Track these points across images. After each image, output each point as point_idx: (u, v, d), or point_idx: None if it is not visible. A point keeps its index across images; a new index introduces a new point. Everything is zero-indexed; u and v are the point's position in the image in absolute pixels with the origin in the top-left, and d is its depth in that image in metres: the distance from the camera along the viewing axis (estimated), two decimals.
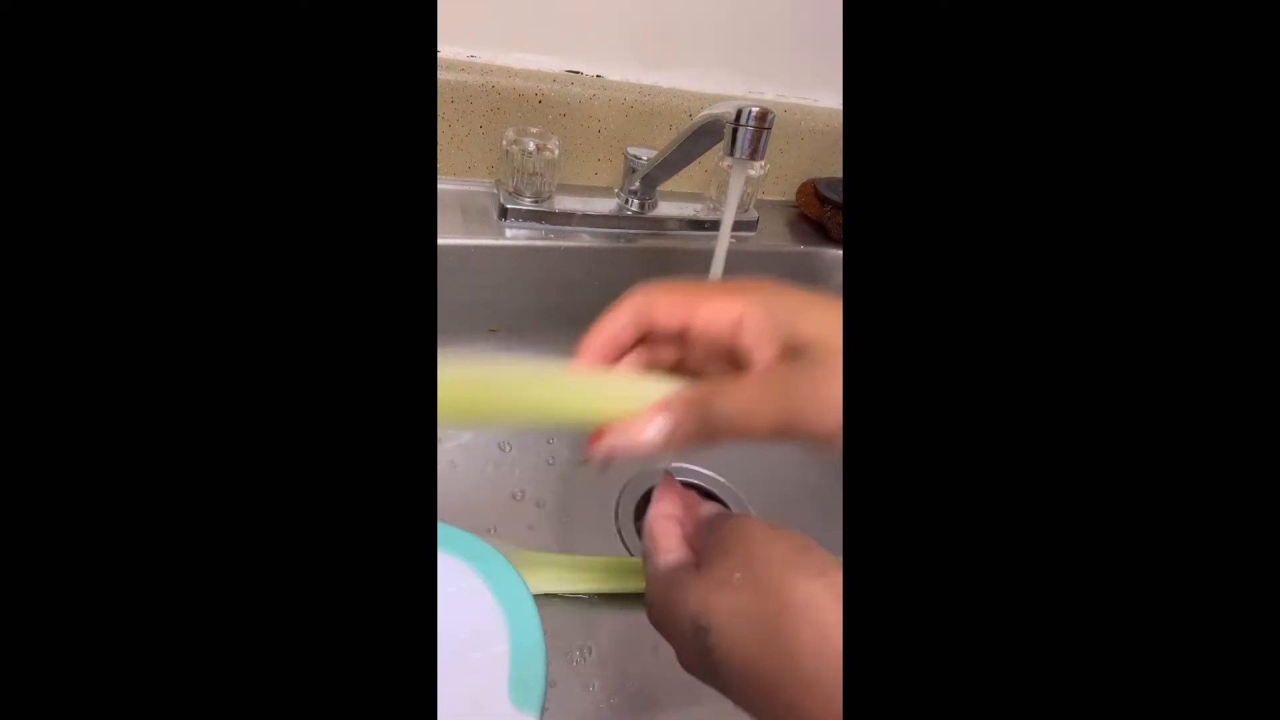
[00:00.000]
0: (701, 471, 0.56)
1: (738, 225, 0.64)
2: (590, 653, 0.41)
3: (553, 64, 0.59)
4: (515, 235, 0.57)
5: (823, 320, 0.24)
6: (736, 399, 0.24)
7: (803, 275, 0.68)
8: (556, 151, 0.56)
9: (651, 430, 0.24)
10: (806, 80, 0.68)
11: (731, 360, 0.26)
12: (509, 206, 0.57)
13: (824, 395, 0.23)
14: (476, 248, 0.55)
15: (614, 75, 0.61)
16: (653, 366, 0.27)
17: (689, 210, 0.63)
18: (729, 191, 0.46)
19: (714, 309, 0.26)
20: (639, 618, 0.43)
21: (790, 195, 0.73)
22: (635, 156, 0.58)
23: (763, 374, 0.24)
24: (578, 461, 0.55)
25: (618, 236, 0.60)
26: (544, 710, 0.36)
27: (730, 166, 0.51)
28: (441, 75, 0.54)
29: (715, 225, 0.61)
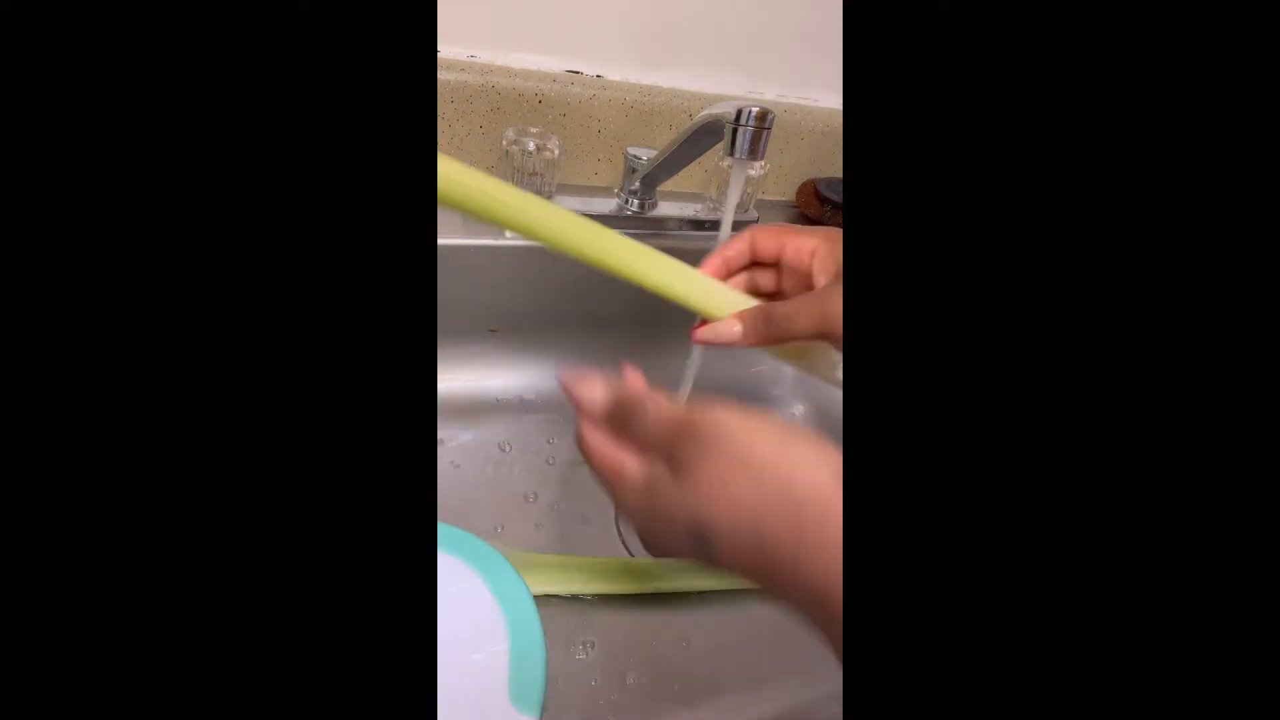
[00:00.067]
0: None
1: (738, 225, 0.63)
2: (592, 648, 0.41)
3: (553, 64, 0.59)
4: (515, 235, 0.57)
5: None
6: (787, 309, 0.31)
7: None
8: (556, 151, 0.56)
9: (731, 330, 0.33)
10: (806, 80, 0.68)
11: (807, 285, 0.32)
12: None
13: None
14: (476, 248, 0.55)
15: (614, 75, 0.61)
16: (754, 289, 0.35)
17: (689, 210, 0.63)
18: (729, 191, 0.46)
19: (797, 243, 0.33)
20: (640, 613, 0.44)
21: (790, 195, 0.73)
22: (635, 156, 0.58)
23: (813, 292, 0.31)
24: (577, 461, 0.55)
25: None
26: (544, 710, 0.36)
27: (730, 166, 0.51)
28: (441, 75, 0.54)
29: (715, 225, 0.61)
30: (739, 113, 0.43)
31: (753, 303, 0.33)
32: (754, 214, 0.65)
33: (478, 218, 0.31)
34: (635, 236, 0.60)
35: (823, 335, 0.30)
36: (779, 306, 0.31)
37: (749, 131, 0.43)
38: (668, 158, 0.53)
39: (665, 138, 0.61)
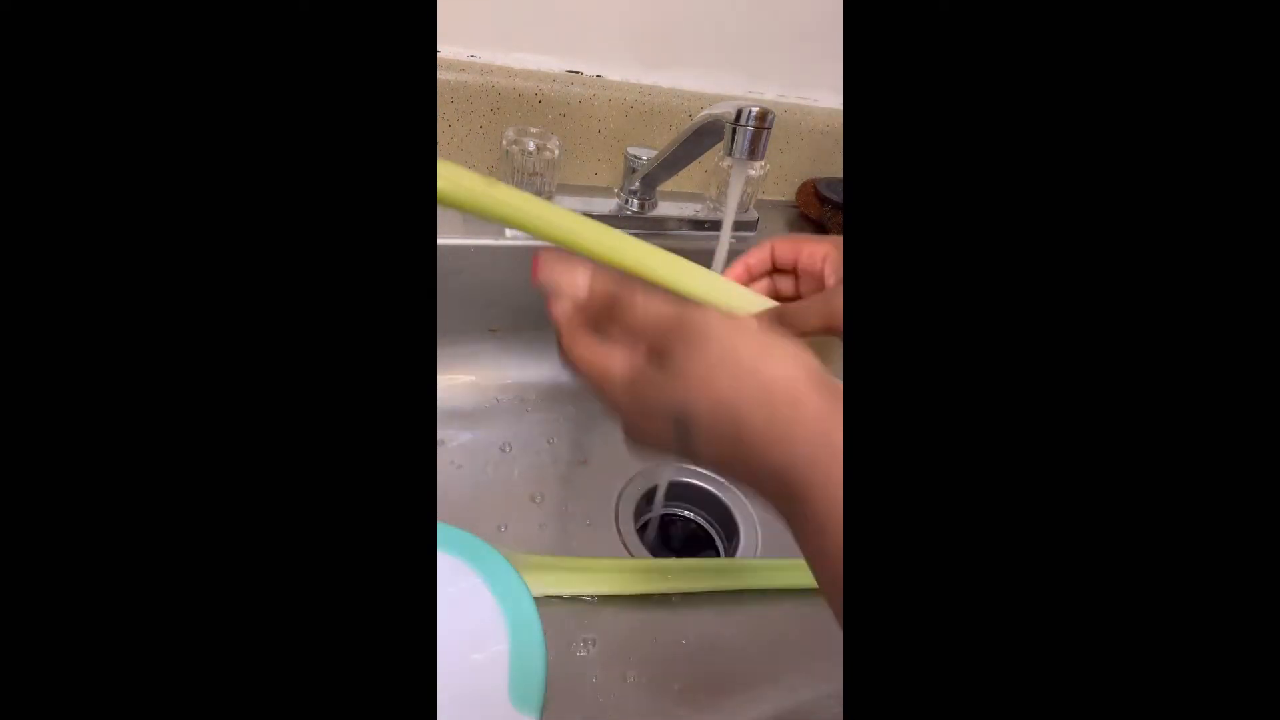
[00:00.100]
0: (702, 471, 0.56)
1: (738, 225, 0.64)
2: (593, 644, 0.42)
3: (553, 64, 0.59)
4: (515, 235, 0.57)
5: None
6: (798, 308, 0.33)
7: None
8: (556, 151, 0.56)
9: None
10: (806, 80, 0.68)
11: (820, 287, 0.35)
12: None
13: None
14: (476, 248, 0.55)
15: (614, 75, 0.61)
16: (776, 294, 0.38)
17: (689, 210, 0.63)
18: (729, 191, 0.46)
19: (811, 249, 0.36)
20: (641, 613, 0.44)
21: (790, 195, 0.73)
22: (635, 156, 0.58)
23: (821, 293, 0.34)
24: (578, 461, 0.55)
25: None
26: (544, 710, 0.36)
27: (730, 166, 0.51)
28: (441, 75, 0.54)
29: (715, 225, 0.61)
30: (739, 113, 0.43)
31: (769, 303, 0.35)
32: (754, 214, 0.65)
33: (504, 224, 0.33)
34: (635, 236, 0.60)
35: (830, 331, 0.32)
36: (791, 306, 0.33)
37: (749, 131, 0.43)
38: (668, 158, 0.53)
39: (665, 138, 0.61)
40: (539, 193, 0.57)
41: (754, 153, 0.44)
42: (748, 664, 0.43)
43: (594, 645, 0.42)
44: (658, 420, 0.26)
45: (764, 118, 0.43)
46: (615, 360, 0.27)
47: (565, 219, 0.33)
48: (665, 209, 0.62)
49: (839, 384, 0.23)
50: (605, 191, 0.63)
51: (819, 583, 0.23)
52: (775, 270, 0.38)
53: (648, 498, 0.54)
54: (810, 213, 0.70)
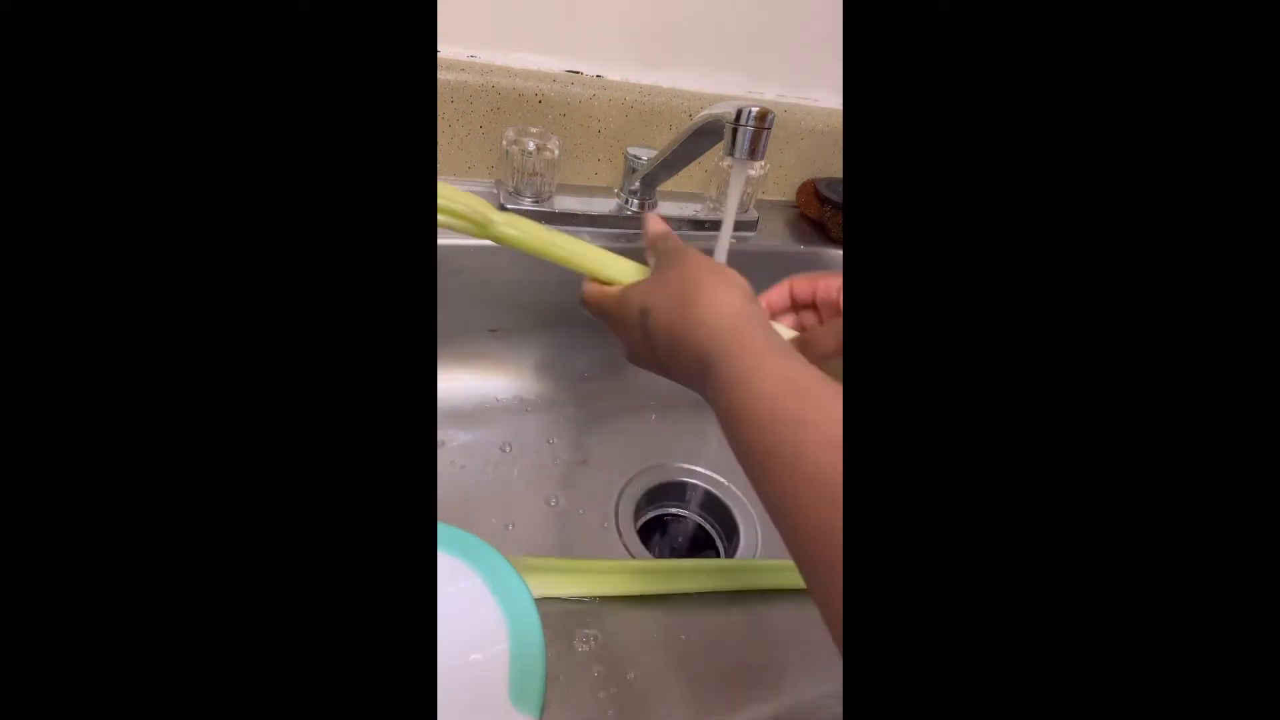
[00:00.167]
0: (702, 472, 0.56)
1: (738, 225, 0.64)
2: (595, 640, 0.42)
3: (553, 64, 0.59)
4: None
5: None
6: (815, 335, 0.37)
7: None
8: (556, 151, 0.56)
9: None
10: (806, 80, 0.68)
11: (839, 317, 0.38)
12: (509, 206, 0.57)
13: None
14: (476, 248, 0.55)
15: (614, 75, 0.61)
16: (801, 328, 0.41)
17: (689, 210, 0.63)
18: (729, 191, 0.46)
19: (827, 283, 0.39)
20: (641, 613, 0.44)
21: (790, 195, 0.73)
22: (635, 156, 0.58)
23: (835, 320, 0.38)
24: (578, 461, 0.55)
25: (618, 236, 0.60)
26: (544, 710, 0.36)
27: (730, 166, 0.51)
28: (441, 75, 0.54)
29: (715, 225, 0.61)
30: (739, 113, 0.43)
31: (791, 333, 0.39)
32: (754, 214, 0.65)
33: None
34: (635, 236, 0.60)
35: (841, 356, 0.36)
36: (809, 334, 0.38)
37: (749, 131, 0.43)
38: (668, 158, 0.53)
39: (665, 138, 0.61)
40: (539, 193, 0.57)
41: (754, 153, 0.44)
42: (748, 664, 0.43)
43: (594, 645, 0.42)
44: (631, 309, 0.35)
45: (764, 118, 0.43)
46: (613, 289, 0.38)
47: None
48: (665, 209, 0.62)
49: (759, 306, 0.33)
50: (605, 191, 0.63)
51: (723, 426, 0.29)
52: (798, 306, 0.41)
53: (648, 498, 0.54)
54: (810, 213, 0.70)
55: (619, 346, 0.38)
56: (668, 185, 0.59)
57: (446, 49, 0.55)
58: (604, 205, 0.60)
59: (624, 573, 0.45)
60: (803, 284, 0.40)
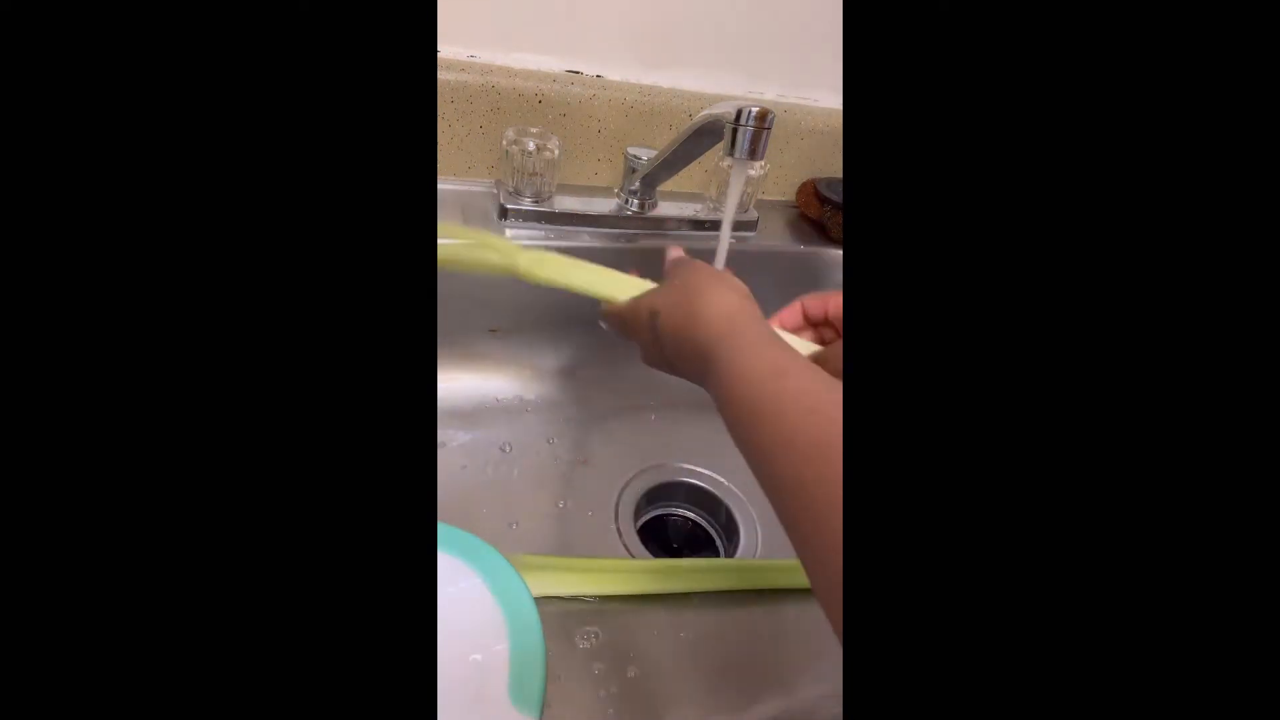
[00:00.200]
0: (702, 472, 0.56)
1: (738, 225, 0.64)
2: (597, 637, 0.42)
3: (553, 64, 0.59)
4: (515, 235, 0.57)
5: None
6: (828, 353, 0.39)
7: (803, 275, 0.68)
8: (556, 151, 0.56)
9: None
10: (806, 80, 0.68)
11: None
12: (509, 206, 0.57)
13: None
14: None
15: (614, 75, 0.61)
16: (822, 342, 0.42)
17: (689, 210, 0.63)
18: (729, 191, 0.46)
19: (837, 301, 0.41)
20: (641, 612, 0.44)
21: (790, 195, 0.73)
22: (635, 156, 0.58)
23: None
24: (578, 461, 0.55)
25: (618, 236, 0.60)
26: (544, 709, 0.36)
27: (730, 166, 0.51)
28: (441, 75, 0.54)
29: (715, 225, 0.61)
30: (739, 113, 0.43)
31: (813, 348, 0.41)
32: (754, 214, 0.65)
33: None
34: (635, 236, 0.60)
35: None
36: (830, 349, 0.40)
37: (749, 131, 0.43)
38: (668, 158, 0.53)
39: (665, 138, 0.61)
40: (539, 192, 0.57)
41: (754, 153, 0.44)
42: (747, 664, 0.43)
43: (594, 645, 0.42)
44: (642, 319, 0.38)
45: (764, 118, 0.43)
46: (624, 303, 0.41)
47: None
48: (665, 209, 0.62)
49: (755, 305, 0.35)
50: (605, 191, 0.63)
51: (721, 412, 0.32)
52: (812, 324, 0.42)
53: (648, 498, 0.54)
54: (810, 213, 0.70)
55: (636, 352, 0.40)
56: (668, 185, 0.59)
57: (446, 49, 0.55)
58: (604, 205, 0.60)
59: (624, 572, 0.45)
60: (814, 302, 0.41)
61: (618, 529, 0.50)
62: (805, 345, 0.40)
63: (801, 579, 0.48)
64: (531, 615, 0.40)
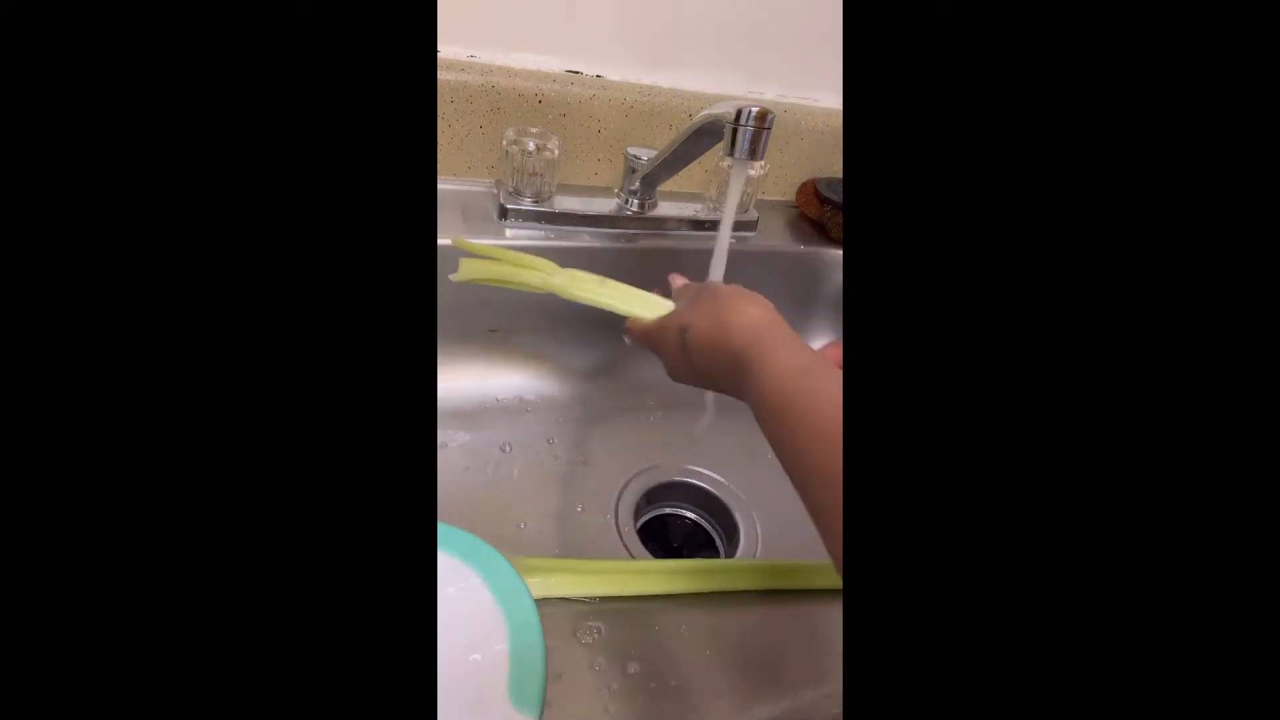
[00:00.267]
0: (703, 472, 0.56)
1: (738, 225, 0.64)
2: (593, 644, 0.42)
3: (553, 64, 0.59)
4: (515, 235, 0.57)
5: None
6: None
7: (803, 275, 0.68)
8: (556, 151, 0.56)
9: None
10: (806, 80, 0.68)
11: None
12: (509, 206, 0.57)
13: None
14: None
15: (614, 75, 0.61)
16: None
17: (689, 210, 0.63)
18: (729, 191, 0.46)
19: None
20: (642, 612, 0.44)
21: (790, 195, 0.73)
22: (635, 156, 0.58)
23: None
24: (578, 461, 0.55)
25: (618, 236, 0.60)
26: (544, 710, 0.36)
27: (730, 166, 0.51)
28: (441, 75, 0.54)
29: (715, 225, 0.61)
30: (739, 113, 0.43)
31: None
32: (754, 214, 0.65)
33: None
34: (635, 236, 0.60)
35: None
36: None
37: (749, 131, 0.43)
38: (668, 158, 0.53)
39: (665, 138, 0.61)
40: (539, 192, 0.57)
41: (754, 153, 0.44)
42: (747, 664, 0.43)
43: (593, 645, 0.42)
44: (671, 336, 0.40)
45: (764, 118, 0.43)
46: (651, 321, 0.43)
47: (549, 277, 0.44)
48: (665, 209, 0.62)
49: (779, 315, 0.37)
50: (605, 191, 0.63)
51: (753, 411, 0.34)
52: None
53: (648, 498, 0.54)
54: (810, 213, 0.70)
55: (662, 367, 0.42)
56: (668, 185, 0.59)
57: (446, 49, 0.55)
58: (604, 205, 0.60)
59: (624, 573, 0.45)
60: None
61: (618, 529, 0.50)
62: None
63: (802, 579, 0.48)
64: (531, 615, 0.40)
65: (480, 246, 0.43)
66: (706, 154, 0.52)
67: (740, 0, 0.61)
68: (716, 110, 0.45)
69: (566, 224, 0.58)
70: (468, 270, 0.42)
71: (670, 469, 0.56)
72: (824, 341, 0.72)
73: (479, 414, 0.57)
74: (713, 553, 0.54)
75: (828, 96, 0.70)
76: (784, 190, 0.73)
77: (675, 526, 0.56)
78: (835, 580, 0.46)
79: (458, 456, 0.52)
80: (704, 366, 0.38)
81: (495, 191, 0.58)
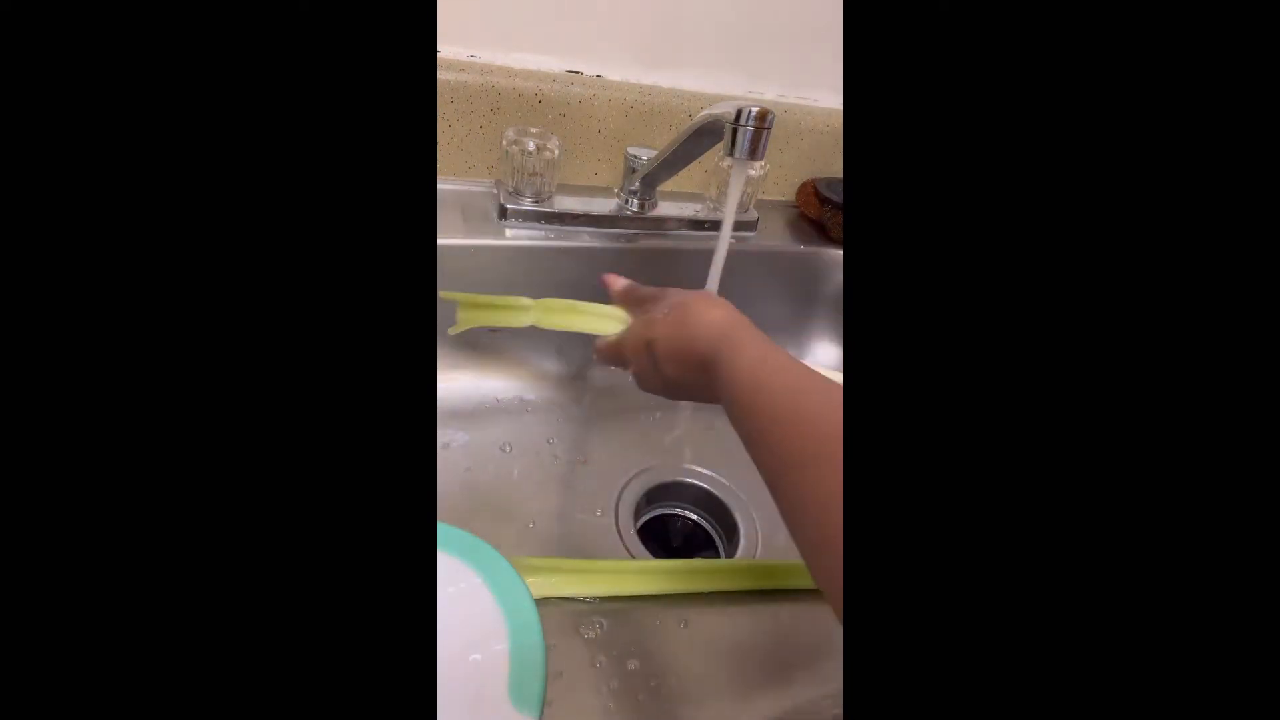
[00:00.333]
0: (703, 472, 0.56)
1: (738, 225, 0.64)
2: (593, 644, 0.42)
3: (553, 64, 0.59)
4: (515, 235, 0.57)
5: None
6: None
7: (803, 275, 0.68)
8: (556, 151, 0.56)
9: None
10: (806, 80, 0.68)
11: None
12: (509, 206, 0.57)
13: None
14: (476, 248, 0.55)
15: (614, 75, 0.61)
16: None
17: (689, 210, 0.63)
18: (729, 191, 0.46)
19: None
20: (642, 613, 0.44)
21: (790, 195, 0.73)
22: (635, 156, 0.58)
23: None
24: (578, 461, 0.55)
25: (618, 236, 0.60)
26: (543, 710, 0.36)
27: (730, 166, 0.51)
28: (441, 75, 0.54)
29: (715, 225, 0.61)
30: (739, 113, 0.43)
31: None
32: (754, 214, 0.65)
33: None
34: (635, 236, 0.60)
35: None
36: None
37: (749, 131, 0.43)
38: (668, 158, 0.53)
39: (665, 138, 0.61)
40: (539, 192, 0.57)
41: (754, 153, 0.44)
42: (747, 664, 0.43)
43: (593, 645, 0.42)
44: (640, 351, 0.40)
45: (764, 118, 0.43)
46: (612, 337, 0.44)
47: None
48: (665, 209, 0.62)
49: (740, 314, 0.37)
50: (605, 191, 0.63)
51: (725, 409, 0.34)
52: None
53: (648, 498, 0.54)
54: (810, 213, 0.70)
55: (632, 379, 0.43)
56: (668, 185, 0.59)
57: (446, 49, 0.55)
58: (604, 205, 0.60)
59: (624, 573, 0.45)
60: None
61: (618, 529, 0.50)
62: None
63: (802, 579, 0.48)
64: (531, 615, 0.40)
65: (452, 295, 0.46)
66: (706, 154, 0.52)
67: (740, 0, 0.61)
68: (716, 110, 0.45)
69: (566, 224, 0.58)
70: (466, 321, 0.46)
71: (670, 469, 0.56)
72: (824, 343, 0.72)
73: (479, 414, 0.57)
74: (713, 553, 0.54)
75: (828, 96, 0.70)
76: (784, 190, 0.73)
77: (675, 526, 0.56)
78: None
79: (458, 456, 0.52)
80: (675, 376, 0.39)
81: (495, 191, 0.58)
